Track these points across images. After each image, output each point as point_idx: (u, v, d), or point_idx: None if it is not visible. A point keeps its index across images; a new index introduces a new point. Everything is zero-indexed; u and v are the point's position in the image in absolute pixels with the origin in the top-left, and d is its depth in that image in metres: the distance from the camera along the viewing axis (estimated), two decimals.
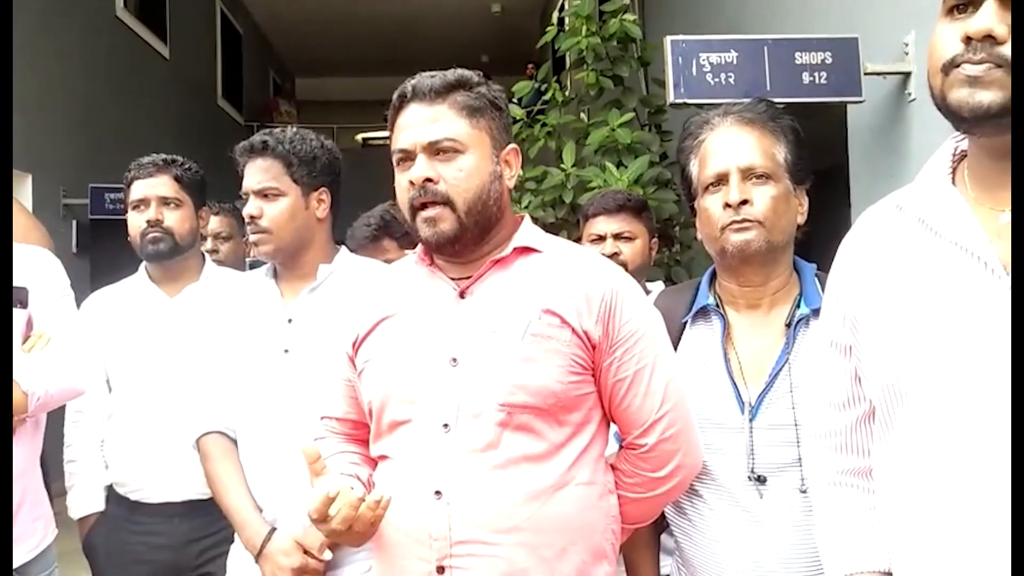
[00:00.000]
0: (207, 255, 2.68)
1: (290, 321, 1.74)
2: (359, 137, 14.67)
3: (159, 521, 2.06)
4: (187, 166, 2.21)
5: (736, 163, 1.39)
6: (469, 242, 1.32)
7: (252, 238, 1.75)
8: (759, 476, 1.35)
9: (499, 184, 1.34)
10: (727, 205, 1.38)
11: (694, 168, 1.46)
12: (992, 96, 0.93)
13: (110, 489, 2.18)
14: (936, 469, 0.99)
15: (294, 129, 1.80)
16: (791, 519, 1.32)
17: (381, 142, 14.65)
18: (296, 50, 14.45)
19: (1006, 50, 0.93)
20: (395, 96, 1.34)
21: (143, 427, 2.09)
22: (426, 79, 1.32)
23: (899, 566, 1.07)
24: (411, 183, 1.29)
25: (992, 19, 0.94)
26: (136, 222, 2.16)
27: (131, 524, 2.11)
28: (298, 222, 1.75)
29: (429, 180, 1.28)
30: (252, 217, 1.73)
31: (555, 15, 4.63)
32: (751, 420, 1.37)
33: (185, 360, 2.01)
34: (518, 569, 1.23)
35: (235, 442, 1.76)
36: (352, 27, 12.69)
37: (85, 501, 2.18)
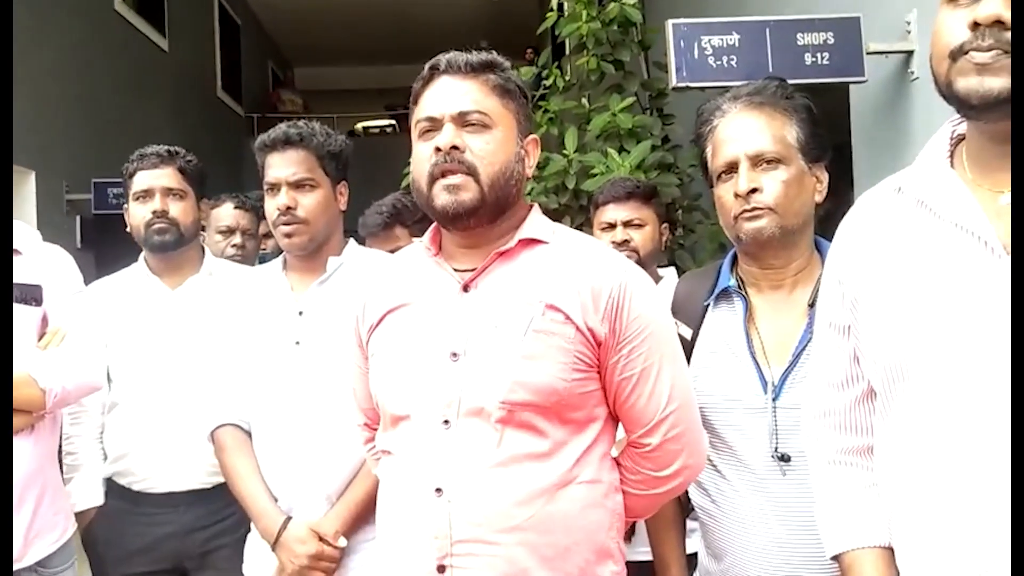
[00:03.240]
0: (235, 250, 2.68)
1: (301, 313, 1.76)
2: (359, 126, 14.62)
3: (164, 511, 2.06)
4: (189, 158, 2.20)
5: (744, 150, 1.39)
6: (484, 219, 1.28)
7: (285, 229, 1.74)
8: (782, 455, 1.36)
9: (521, 167, 1.31)
10: (737, 194, 1.38)
11: (709, 156, 1.46)
12: (1001, 83, 0.94)
13: (109, 482, 2.15)
14: (936, 446, 1.01)
15: (317, 124, 1.82)
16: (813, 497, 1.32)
17: (379, 131, 14.64)
18: (294, 40, 14.39)
19: None
20: (426, 68, 1.32)
21: (147, 418, 2.08)
22: (460, 55, 1.31)
23: (900, 541, 1.09)
24: (437, 149, 1.26)
25: (1000, 5, 0.94)
26: (140, 213, 2.13)
27: (134, 515, 2.09)
28: (330, 214, 1.79)
29: (456, 148, 1.25)
30: (288, 208, 1.73)
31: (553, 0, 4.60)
32: (774, 400, 1.38)
33: (192, 352, 2.02)
34: (519, 569, 1.19)
35: (249, 434, 1.78)
36: (350, 15, 12.63)
37: (87, 494, 2.13)
